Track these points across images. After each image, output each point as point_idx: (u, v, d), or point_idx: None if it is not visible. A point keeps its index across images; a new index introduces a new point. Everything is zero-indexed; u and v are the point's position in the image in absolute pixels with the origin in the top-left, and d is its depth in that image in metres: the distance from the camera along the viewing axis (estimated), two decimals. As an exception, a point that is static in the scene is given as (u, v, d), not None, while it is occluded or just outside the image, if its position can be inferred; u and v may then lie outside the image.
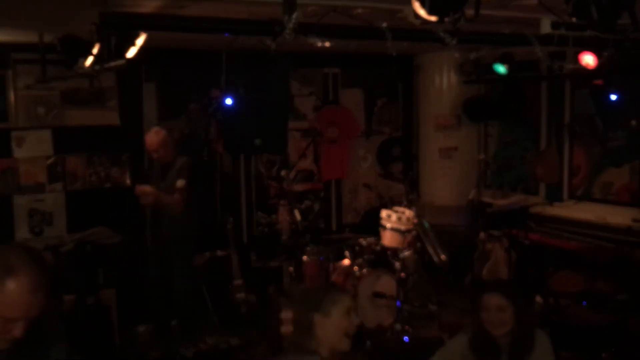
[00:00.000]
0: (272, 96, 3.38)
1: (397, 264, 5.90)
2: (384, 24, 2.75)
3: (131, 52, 4.38)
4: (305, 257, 6.20)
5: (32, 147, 6.33)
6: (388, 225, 6.06)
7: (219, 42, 3.36)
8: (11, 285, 1.97)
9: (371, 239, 6.33)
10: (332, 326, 2.57)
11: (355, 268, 6.04)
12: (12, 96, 6.24)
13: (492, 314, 3.18)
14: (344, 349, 2.62)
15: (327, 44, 2.73)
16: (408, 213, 6.12)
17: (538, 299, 5.86)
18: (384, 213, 6.18)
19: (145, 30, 4.17)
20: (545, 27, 3.09)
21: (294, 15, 2.53)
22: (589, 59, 4.62)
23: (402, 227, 6.03)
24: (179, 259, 5.92)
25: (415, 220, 6.19)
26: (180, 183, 5.67)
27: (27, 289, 1.98)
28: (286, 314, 2.67)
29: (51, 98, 6.40)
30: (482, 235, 6.88)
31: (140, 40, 4.41)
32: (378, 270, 6.06)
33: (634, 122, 4.23)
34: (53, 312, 2.41)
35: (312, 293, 2.73)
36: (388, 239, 6.06)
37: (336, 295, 2.65)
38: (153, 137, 5.80)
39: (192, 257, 6.05)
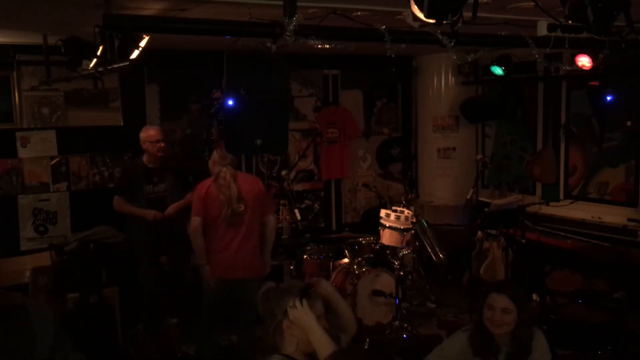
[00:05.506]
0: (273, 97, 3.42)
1: (396, 263, 5.96)
2: (383, 27, 2.79)
3: (134, 54, 4.43)
4: (305, 256, 6.25)
5: (37, 148, 6.37)
6: (387, 224, 6.12)
7: (220, 44, 3.40)
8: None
9: (370, 238, 6.39)
10: (296, 320, 2.54)
11: (355, 267, 6.10)
12: (16, 97, 6.28)
13: (496, 313, 3.21)
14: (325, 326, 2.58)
15: (327, 46, 2.77)
16: (407, 212, 6.19)
17: (535, 297, 5.91)
18: (383, 212, 6.24)
19: (148, 32, 4.21)
20: (542, 29, 3.11)
21: (295, 18, 2.56)
22: (584, 61, 4.67)
23: (401, 226, 6.08)
24: (179, 257, 5.98)
25: (414, 219, 6.25)
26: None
27: None
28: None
29: (55, 99, 6.45)
30: (479, 234, 6.92)
31: (143, 42, 4.47)
32: (377, 269, 6.12)
33: (629, 123, 4.26)
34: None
35: (266, 309, 2.67)
36: (387, 237, 6.11)
37: (277, 301, 2.60)
38: (155, 129, 5.74)
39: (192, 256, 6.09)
